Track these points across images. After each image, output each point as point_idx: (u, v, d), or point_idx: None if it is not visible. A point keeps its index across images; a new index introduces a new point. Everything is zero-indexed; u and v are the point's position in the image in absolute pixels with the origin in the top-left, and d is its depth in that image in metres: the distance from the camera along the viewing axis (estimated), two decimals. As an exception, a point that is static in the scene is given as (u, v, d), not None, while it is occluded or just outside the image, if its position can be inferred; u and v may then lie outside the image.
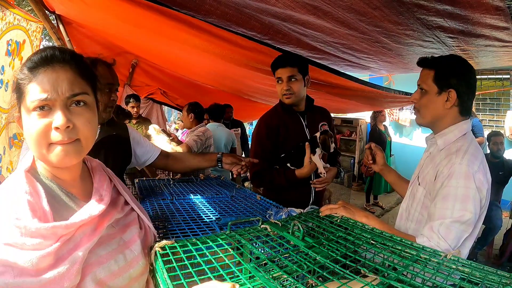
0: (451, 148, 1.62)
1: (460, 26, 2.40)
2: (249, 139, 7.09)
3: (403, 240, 1.14)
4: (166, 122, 8.07)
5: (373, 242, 1.11)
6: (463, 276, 0.91)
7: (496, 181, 5.02)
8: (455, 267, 0.95)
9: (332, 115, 9.93)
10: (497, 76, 8.00)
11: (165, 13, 2.79)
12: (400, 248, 1.07)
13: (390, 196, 8.43)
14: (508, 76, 7.81)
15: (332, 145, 2.46)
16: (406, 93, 4.66)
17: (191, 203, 2.03)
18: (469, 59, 3.50)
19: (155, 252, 1.07)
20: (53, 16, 4.40)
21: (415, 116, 1.83)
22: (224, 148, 5.43)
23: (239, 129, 6.76)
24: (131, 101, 5.58)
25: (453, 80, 1.62)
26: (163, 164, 2.44)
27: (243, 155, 6.58)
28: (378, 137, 7.37)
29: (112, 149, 2.06)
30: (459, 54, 3.07)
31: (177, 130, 9.71)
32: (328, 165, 2.64)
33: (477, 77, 5.47)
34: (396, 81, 8.66)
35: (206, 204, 2.01)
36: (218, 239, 1.17)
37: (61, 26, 4.40)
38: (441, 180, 1.55)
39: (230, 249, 1.11)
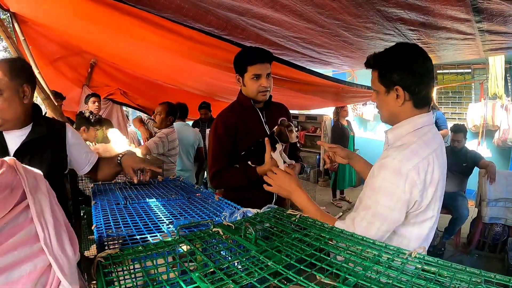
0: (397, 142, 1.54)
1: (421, 18, 2.37)
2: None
3: (364, 239, 1.07)
4: (128, 123, 7.87)
5: (331, 243, 1.04)
6: (429, 277, 0.84)
7: (460, 172, 5.18)
8: (420, 266, 0.88)
9: (296, 112, 10.02)
10: (458, 70, 8.19)
11: (120, 9, 2.69)
12: (360, 248, 0.99)
13: (356, 190, 8.48)
14: (469, 70, 8.01)
15: (294, 134, 2.37)
16: (369, 87, 4.65)
17: (145, 207, 1.91)
18: (431, 52, 3.51)
19: (97, 263, 0.96)
20: (8, 14, 4.22)
21: (378, 112, 1.76)
22: (191, 148, 5.35)
23: None
24: (91, 99, 5.48)
25: (395, 76, 1.52)
26: (93, 174, 2.36)
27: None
28: (341, 132, 7.39)
29: (39, 152, 1.97)
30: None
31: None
32: (293, 162, 2.56)
33: (439, 71, 5.57)
34: (359, 76, 8.74)
35: (161, 207, 1.90)
36: (165, 245, 1.08)
37: (15, 25, 4.23)
38: (373, 169, 1.49)
39: (176, 257, 1.03)
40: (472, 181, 5.50)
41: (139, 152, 4.04)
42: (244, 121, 2.52)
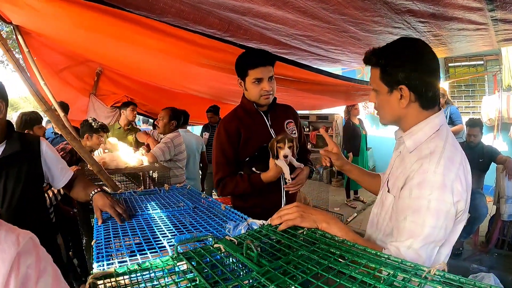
0: (423, 149, 1.37)
1: (430, 8, 2.27)
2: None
3: (378, 253, 0.97)
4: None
5: (341, 260, 0.93)
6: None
7: (477, 168, 5.00)
8: (440, 287, 0.77)
9: (307, 112, 9.92)
10: (470, 63, 8.03)
11: (118, 16, 2.64)
12: (374, 266, 0.88)
13: (370, 191, 8.35)
14: (482, 62, 7.84)
15: (285, 151, 2.24)
16: (380, 85, 4.55)
17: (149, 219, 1.85)
18: (442, 45, 3.39)
19: (90, 285, 0.91)
20: (11, 27, 4.22)
21: (377, 114, 1.62)
22: (196, 153, 5.33)
23: None
24: (130, 106, 5.54)
25: (401, 74, 1.37)
26: (67, 190, 2.40)
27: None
28: (352, 131, 7.31)
29: (15, 167, 2.03)
30: (431, 40, 2.96)
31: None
32: (301, 165, 2.48)
33: (450, 64, 5.44)
34: (369, 73, 8.60)
35: (164, 219, 1.84)
36: (162, 264, 1.01)
37: (19, 37, 4.23)
38: (410, 187, 1.32)
39: (170, 277, 0.95)
40: (490, 177, 5.32)
41: (146, 160, 3.97)
42: (247, 125, 2.45)
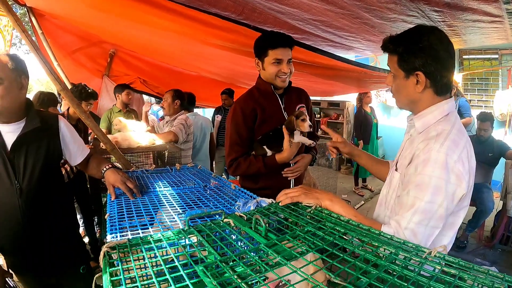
0: (430, 131, 1.43)
1: (445, -3, 2.26)
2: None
3: (382, 234, 1.00)
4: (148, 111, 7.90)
5: (345, 238, 0.97)
6: (449, 280, 0.76)
7: (486, 162, 5.01)
8: (439, 268, 0.80)
9: (318, 98, 9.88)
10: (485, 56, 7.92)
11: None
12: (377, 244, 0.92)
13: (378, 179, 8.35)
14: (497, 56, 7.73)
15: (306, 123, 2.34)
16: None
17: (161, 196, 1.89)
18: (456, 36, 3.37)
19: (104, 253, 0.94)
20: (25, 9, 4.26)
21: (393, 96, 1.66)
22: (205, 134, 5.36)
23: None
24: (125, 91, 5.52)
25: (418, 61, 1.42)
26: (83, 167, 2.45)
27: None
28: (363, 119, 7.28)
29: (35, 143, 2.09)
30: (445, 30, 2.94)
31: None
32: (314, 143, 2.50)
33: (465, 56, 5.40)
34: (382, 62, 8.55)
35: (175, 196, 1.87)
36: (174, 236, 1.05)
37: (33, 19, 4.29)
38: (415, 164, 1.38)
39: (182, 248, 0.98)
40: (498, 172, 5.32)
41: (160, 141, 3.99)
42: (262, 107, 2.48)
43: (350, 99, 9.57)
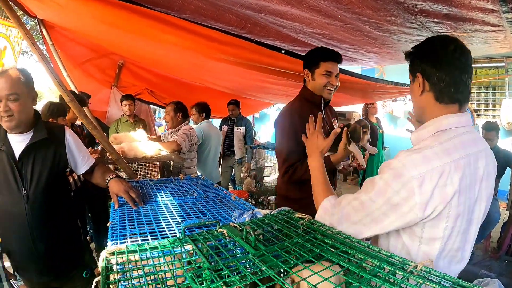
0: (416, 146, 1.36)
1: (444, 9, 2.29)
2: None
3: (369, 246, 1.03)
4: (155, 122, 7.98)
5: (332, 250, 0.99)
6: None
7: (491, 172, 4.93)
8: (422, 282, 0.82)
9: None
10: (491, 64, 7.91)
11: (138, 12, 2.72)
12: (362, 257, 0.94)
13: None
14: (503, 64, 7.72)
15: (367, 137, 2.39)
16: (396, 83, 4.55)
17: (162, 205, 1.94)
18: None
19: (103, 259, 0.99)
20: (36, 21, 4.35)
21: (408, 108, 1.66)
22: (217, 145, 5.35)
23: (243, 128, 6.64)
24: (123, 102, 5.62)
25: (418, 61, 1.42)
26: (88, 176, 2.50)
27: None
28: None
29: (41, 153, 2.16)
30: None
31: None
32: (376, 149, 2.63)
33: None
34: (387, 72, 8.57)
35: (176, 206, 1.92)
36: (169, 245, 1.09)
37: (43, 30, 4.37)
38: (381, 166, 1.35)
39: (176, 257, 1.03)
40: (505, 181, 5.27)
41: (165, 151, 4.02)
42: (314, 115, 2.51)
43: (356, 109, 9.54)
